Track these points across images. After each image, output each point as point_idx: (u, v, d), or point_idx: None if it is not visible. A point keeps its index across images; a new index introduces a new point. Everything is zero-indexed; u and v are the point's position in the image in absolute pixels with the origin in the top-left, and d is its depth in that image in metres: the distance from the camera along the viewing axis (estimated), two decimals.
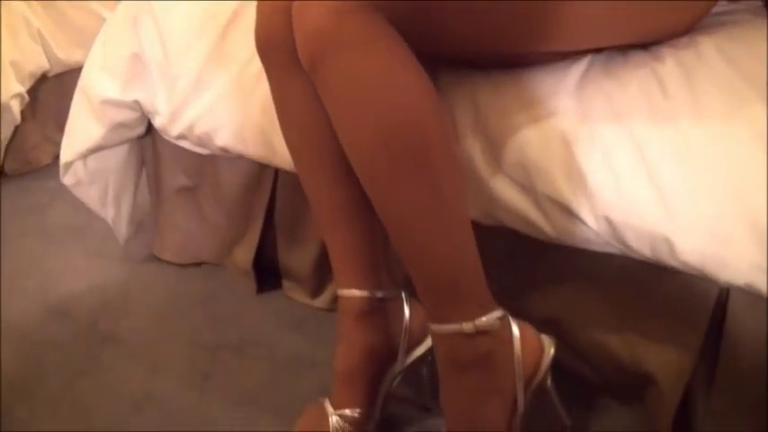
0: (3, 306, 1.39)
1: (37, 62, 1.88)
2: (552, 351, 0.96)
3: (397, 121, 0.85)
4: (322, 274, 1.37)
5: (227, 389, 1.18)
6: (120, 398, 1.17)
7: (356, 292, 1.03)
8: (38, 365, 1.23)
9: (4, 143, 1.87)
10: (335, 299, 1.35)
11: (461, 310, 0.91)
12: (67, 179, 1.42)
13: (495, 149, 1.02)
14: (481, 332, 0.91)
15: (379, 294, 1.03)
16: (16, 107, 1.83)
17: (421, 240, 0.89)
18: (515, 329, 0.94)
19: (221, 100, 1.25)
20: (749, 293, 0.95)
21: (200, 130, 1.29)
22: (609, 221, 0.97)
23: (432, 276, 0.91)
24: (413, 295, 1.00)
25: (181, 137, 1.33)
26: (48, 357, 1.26)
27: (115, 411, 1.14)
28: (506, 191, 1.03)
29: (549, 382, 0.98)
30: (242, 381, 1.21)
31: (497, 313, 0.92)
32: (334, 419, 1.06)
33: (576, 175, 0.98)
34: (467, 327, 0.90)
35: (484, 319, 0.91)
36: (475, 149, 1.04)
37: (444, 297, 0.92)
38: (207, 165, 1.39)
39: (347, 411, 1.06)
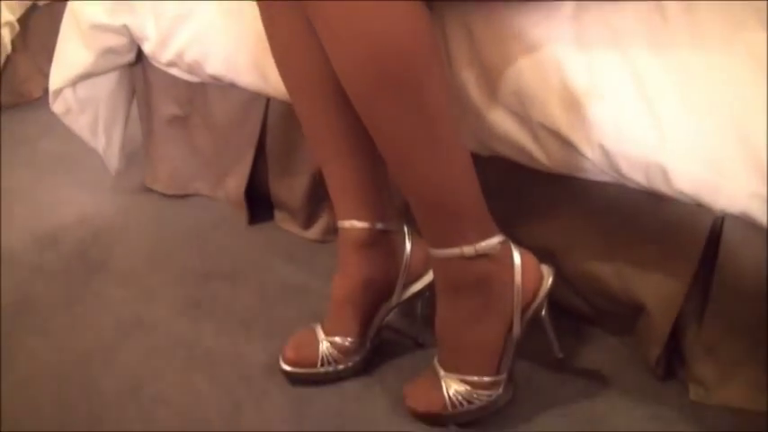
0: None
1: None
2: (551, 281, 0.96)
3: (389, 47, 0.83)
4: (314, 204, 1.36)
5: (218, 316, 1.18)
6: (111, 324, 1.16)
7: (356, 224, 1.02)
8: (29, 294, 1.23)
9: None
10: (327, 230, 1.37)
11: (462, 234, 0.91)
12: (57, 107, 1.40)
13: (490, 79, 1.00)
14: (482, 255, 0.91)
15: (380, 226, 1.02)
16: (7, 36, 1.80)
17: (419, 168, 0.89)
18: (517, 256, 0.94)
19: (212, 26, 1.23)
20: (744, 222, 0.94)
21: (190, 57, 1.26)
22: (604, 150, 0.96)
23: (431, 203, 0.91)
24: (415, 229, 0.99)
25: (171, 64, 1.31)
26: (38, 286, 1.25)
27: (105, 337, 1.14)
28: (502, 121, 1.01)
29: (544, 311, 0.98)
30: (233, 308, 1.21)
31: (498, 238, 0.93)
32: (324, 345, 1.06)
33: (572, 104, 0.96)
34: (467, 250, 0.91)
35: (484, 243, 0.91)
36: (470, 80, 1.02)
37: (445, 223, 0.92)
38: (198, 93, 1.37)
39: (338, 339, 1.06)
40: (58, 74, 1.36)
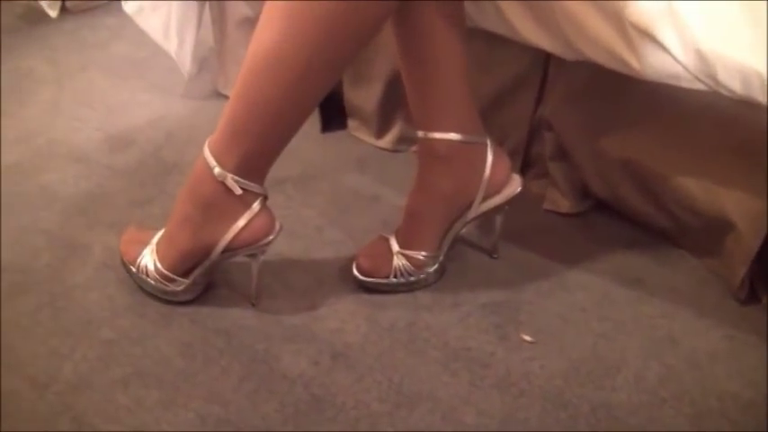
0: (66, 135, 1.39)
1: None
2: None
3: None
4: (387, 113, 1.33)
5: (289, 220, 1.17)
6: None
7: (436, 135, 0.99)
8: (104, 191, 1.24)
9: None
10: (400, 139, 1.35)
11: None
12: (129, 7, 1.39)
13: None
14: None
15: (461, 138, 0.99)
16: None
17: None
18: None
19: None
20: None
21: None
22: (700, 54, 0.90)
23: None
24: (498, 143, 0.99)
25: None
26: (113, 184, 1.26)
27: None
28: (593, 22, 0.96)
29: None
30: (305, 214, 1.20)
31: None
32: (398, 258, 1.05)
33: (666, 4, 0.90)
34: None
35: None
36: None
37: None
38: None
39: (412, 252, 1.05)
40: None
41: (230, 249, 0.97)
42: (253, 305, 1.03)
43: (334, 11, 0.82)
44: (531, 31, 1.01)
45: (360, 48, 0.89)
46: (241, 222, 0.95)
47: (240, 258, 0.99)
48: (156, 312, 1.01)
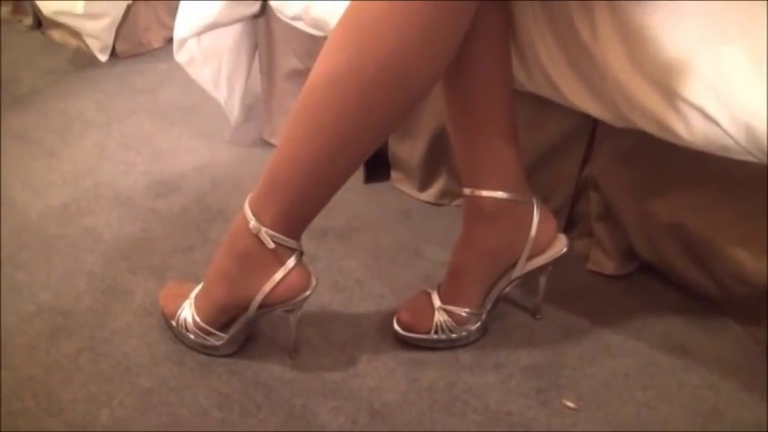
0: (113, 178, 1.41)
1: None
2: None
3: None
4: (431, 167, 1.33)
5: (331, 271, 1.18)
6: None
7: (483, 193, 0.99)
8: (146, 237, 1.25)
9: (116, 23, 1.88)
10: (443, 193, 1.35)
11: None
12: (181, 56, 1.41)
13: (633, 50, 0.94)
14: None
15: (507, 196, 0.99)
16: None
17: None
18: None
19: None
20: None
21: (316, 11, 1.25)
22: (749, 128, 0.89)
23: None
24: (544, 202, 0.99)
25: (296, 18, 1.29)
26: (157, 229, 1.27)
27: None
28: (643, 92, 0.95)
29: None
30: (347, 265, 1.20)
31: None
32: (439, 314, 1.04)
33: (717, 79, 0.90)
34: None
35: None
36: (612, 49, 0.96)
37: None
38: (320, 47, 1.35)
39: (454, 308, 1.04)
40: (185, 24, 1.37)
41: (266, 305, 0.97)
42: (292, 358, 1.02)
43: (379, 78, 0.83)
44: (580, 98, 1.01)
45: (404, 114, 0.89)
46: (276, 278, 0.95)
47: (278, 313, 0.99)
48: (195, 362, 1.01)
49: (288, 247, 0.94)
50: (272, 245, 0.93)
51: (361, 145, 0.89)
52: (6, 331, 1.04)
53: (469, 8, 0.85)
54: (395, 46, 0.82)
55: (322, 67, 0.86)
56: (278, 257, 0.94)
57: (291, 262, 0.95)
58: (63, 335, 1.04)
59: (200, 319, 1.00)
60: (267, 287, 0.95)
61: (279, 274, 0.95)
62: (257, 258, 0.94)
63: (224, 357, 1.02)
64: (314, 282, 0.98)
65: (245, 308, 0.97)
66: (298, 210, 0.93)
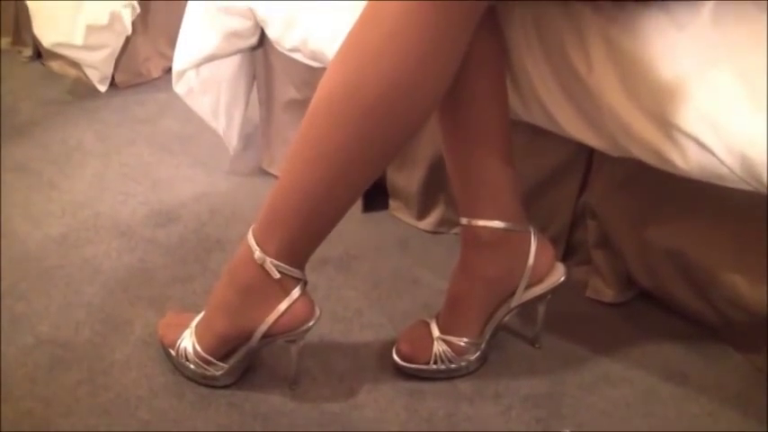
0: (112, 208, 1.42)
1: None
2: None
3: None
4: (429, 195, 1.34)
5: (330, 301, 1.18)
6: None
7: (480, 222, 0.99)
8: (144, 268, 1.25)
9: (116, 54, 1.89)
10: (441, 222, 1.35)
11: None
12: (179, 87, 1.42)
13: (628, 81, 0.95)
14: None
15: (505, 225, 0.99)
16: (127, 17, 1.84)
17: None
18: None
19: (339, 12, 1.21)
20: None
21: (314, 44, 1.26)
22: (744, 158, 0.89)
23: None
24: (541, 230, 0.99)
25: (294, 50, 1.30)
26: (154, 260, 1.27)
27: None
28: (639, 122, 0.96)
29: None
30: (344, 295, 1.20)
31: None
32: (438, 344, 1.04)
33: (712, 109, 0.90)
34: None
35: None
36: (607, 79, 0.97)
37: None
38: (318, 78, 1.35)
39: (453, 338, 1.04)
40: (183, 56, 1.38)
41: (269, 335, 0.96)
42: (291, 389, 1.02)
43: (379, 107, 0.84)
44: (576, 128, 1.02)
45: (403, 142, 0.90)
46: (281, 308, 0.95)
47: (280, 343, 0.99)
48: (194, 393, 1.01)
49: (293, 277, 0.95)
50: (277, 275, 0.93)
51: (362, 173, 0.90)
52: (6, 364, 1.04)
53: (465, 36, 0.86)
54: (393, 75, 0.83)
55: (322, 96, 0.87)
56: (283, 287, 0.95)
57: (296, 292, 0.95)
58: (62, 367, 1.04)
59: (202, 348, 0.99)
60: (272, 318, 0.95)
61: (284, 305, 0.95)
62: (261, 289, 0.94)
63: (223, 388, 1.01)
64: (317, 312, 0.98)
65: (248, 338, 0.97)
66: (301, 239, 0.93)
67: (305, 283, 0.96)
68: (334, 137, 0.86)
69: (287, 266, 0.93)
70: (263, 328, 0.96)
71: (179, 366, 1.03)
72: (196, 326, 1.02)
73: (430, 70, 0.84)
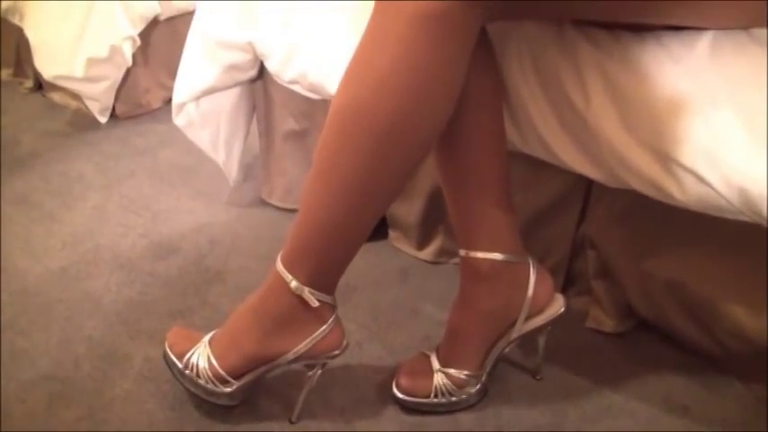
0: (112, 241, 1.42)
1: (149, 5, 1.89)
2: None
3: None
4: (429, 226, 1.34)
5: None
6: None
7: (479, 254, 1.00)
8: (144, 301, 1.25)
9: (116, 85, 1.91)
10: (441, 252, 1.35)
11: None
12: (179, 120, 1.42)
13: (626, 113, 0.96)
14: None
15: (503, 257, 1.00)
16: (128, 50, 1.86)
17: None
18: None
19: (337, 45, 1.22)
20: None
21: (313, 76, 1.27)
22: (743, 191, 0.90)
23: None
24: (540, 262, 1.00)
25: (293, 82, 1.31)
26: (154, 293, 1.27)
27: None
28: (636, 155, 0.96)
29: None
30: (346, 327, 1.19)
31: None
32: (438, 377, 1.04)
33: (710, 142, 0.91)
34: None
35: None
36: (605, 112, 0.98)
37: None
38: (317, 109, 1.38)
39: (453, 371, 1.04)
40: (182, 88, 1.39)
41: (296, 360, 0.97)
42: (291, 422, 1.02)
43: (392, 124, 0.84)
44: (574, 160, 1.02)
45: (419, 159, 0.90)
46: (318, 335, 0.96)
47: (297, 367, 0.99)
48: (195, 429, 1.00)
49: (328, 304, 0.96)
50: (316, 303, 0.94)
51: (378, 194, 0.91)
52: (5, 399, 1.04)
53: (469, 45, 0.87)
54: (406, 94, 0.84)
55: (332, 128, 0.88)
56: (319, 315, 0.96)
57: (332, 319, 0.97)
58: (62, 403, 1.04)
59: (221, 365, 0.98)
60: (307, 344, 0.97)
61: (319, 332, 0.96)
62: (299, 317, 0.96)
63: (222, 423, 1.01)
64: (345, 342, 1.00)
65: (272, 360, 0.98)
66: (328, 266, 0.95)
67: (335, 309, 0.98)
68: (342, 166, 0.87)
69: (323, 294, 0.95)
70: (295, 351, 0.97)
71: (182, 378, 1.01)
72: (215, 341, 1.01)
73: (439, 83, 0.85)
